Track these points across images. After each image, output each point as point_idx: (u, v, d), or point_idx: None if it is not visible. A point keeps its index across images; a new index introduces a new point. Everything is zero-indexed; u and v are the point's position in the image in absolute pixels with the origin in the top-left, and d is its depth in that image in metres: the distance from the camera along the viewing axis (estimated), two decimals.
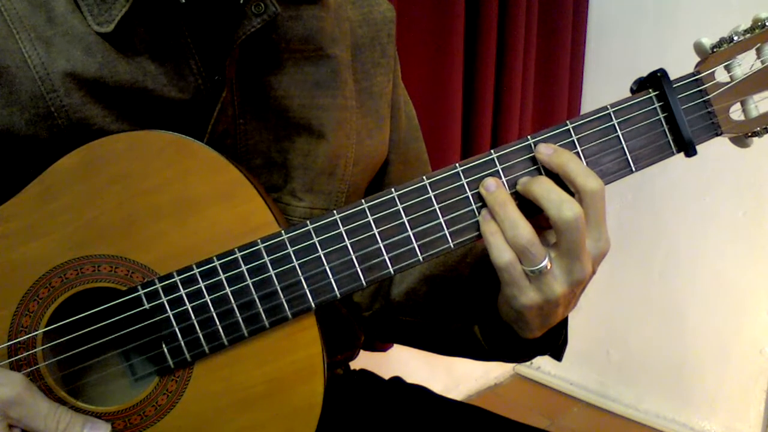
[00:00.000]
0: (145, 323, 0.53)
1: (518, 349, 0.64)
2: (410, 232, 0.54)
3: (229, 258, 0.53)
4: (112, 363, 0.57)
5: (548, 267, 0.53)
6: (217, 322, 0.53)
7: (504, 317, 0.59)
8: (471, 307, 0.67)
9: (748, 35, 0.57)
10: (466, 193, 0.54)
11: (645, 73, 0.58)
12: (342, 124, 0.68)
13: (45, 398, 0.50)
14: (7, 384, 0.49)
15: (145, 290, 0.52)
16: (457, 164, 0.55)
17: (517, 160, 0.55)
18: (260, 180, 0.64)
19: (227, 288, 0.53)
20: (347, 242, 0.53)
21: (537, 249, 0.52)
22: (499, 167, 0.55)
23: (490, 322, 0.64)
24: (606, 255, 0.55)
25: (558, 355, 0.66)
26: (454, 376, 2.02)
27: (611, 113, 0.56)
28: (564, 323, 0.63)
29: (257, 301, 0.53)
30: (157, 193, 0.53)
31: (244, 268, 0.53)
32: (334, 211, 0.53)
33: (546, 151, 0.54)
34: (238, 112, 0.61)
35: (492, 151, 0.55)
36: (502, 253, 0.53)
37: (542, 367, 2.17)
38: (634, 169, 0.56)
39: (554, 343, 0.64)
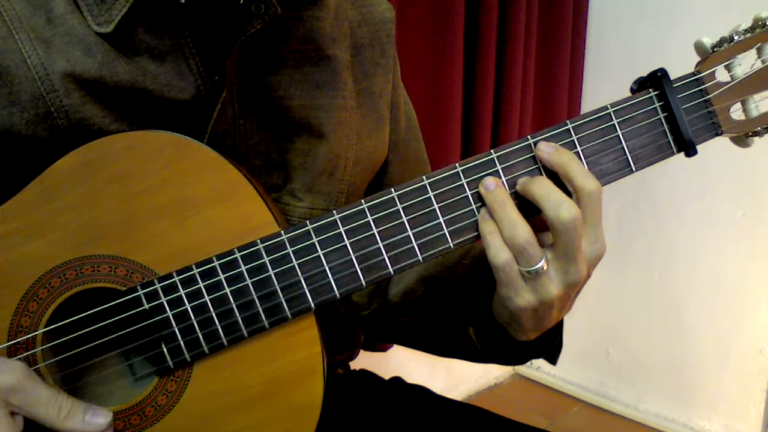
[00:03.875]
0: (145, 323, 0.53)
1: (512, 352, 0.64)
2: (410, 232, 0.54)
3: (229, 258, 0.53)
4: (111, 363, 0.57)
5: (544, 268, 0.53)
6: (217, 323, 0.53)
7: (499, 319, 0.59)
8: (467, 308, 0.67)
9: (749, 35, 0.57)
10: (466, 192, 0.54)
11: (645, 73, 0.57)
12: (342, 125, 0.68)
13: (45, 385, 0.50)
14: (7, 371, 0.48)
15: (145, 290, 0.52)
16: (456, 164, 0.54)
17: (516, 160, 0.55)
18: (260, 180, 0.64)
19: (227, 288, 0.53)
20: (347, 242, 0.53)
21: (534, 249, 0.52)
22: (498, 167, 0.55)
23: (485, 323, 0.64)
24: (601, 258, 0.55)
25: (553, 359, 0.66)
26: (454, 376, 2.02)
27: (611, 113, 0.56)
28: (559, 326, 0.63)
29: (257, 301, 0.53)
30: (157, 193, 0.53)
31: (243, 268, 0.53)
32: (334, 211, 0.53)
33: (547, 150, 0.54)
34: (238, 113, 0.61)
35: (492, 150, 0.55)
36: (499, 253, 0.53)
37: (542, 367, 2.17)
38: (634, 168, 0.56)
39: (549, 346, 0.64)
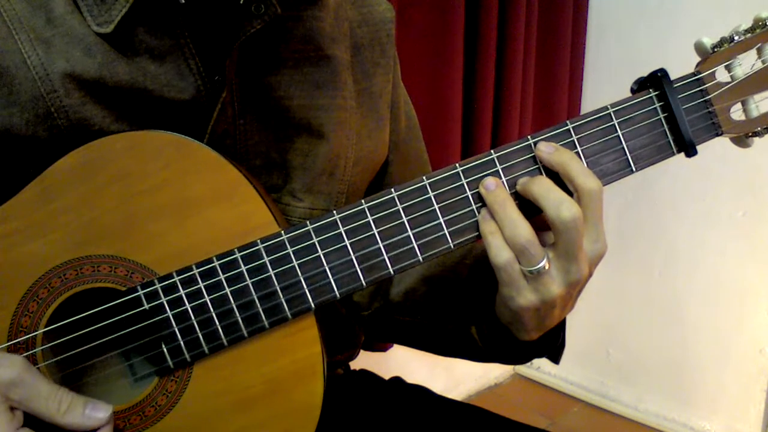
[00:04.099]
0: (145, 323, 0.53)
1: (515, 351, 0.64)
2: (410, 233, 0.54)
3: (229, 258, 0.53)
4: (111, 363, 0.57)
5: (546, 267, 0.53)
6: (217, 323, 0.53)
7: (501, 318, 0.59)
8: (469, 308, 0.67)
9: (749, 35, 0.57)
10: (466, 193, 0.54)
11: (645, 73, 0.57)
12: (341, 125, 0.68)
13: (45, 380, 0.50)
14: (7, 366, 0.48)
15: (145, 291, 0.52)
16: (457, 164, 0.54)
17: (517, 160, 0.55)
18: (260, 180, 0.64)
19: (227, 288, 0.53)
20: (347, 242, 0.53)
21: (535, 249, 0.52)
22: (499, 167, 0.55)
23: (487, 323, 0.64)
24: (603, 257, 0.55)
25: (555, 358, 0.66)
26: (454, 376, 2.02)
27: (611, 113, 0.56)
28: (562, 326, 0.63)
29: (257, 301, 0.53)
30: (157, 193, 0.53)
31: (243, 268, 0.53)
32: (334, 211, 0.53)
33: (547, 149, 0.54)
34: (238, 113, 0.61)
35: (492, 151, 0.55)
36: (500, 252, 0.53)
37: (542, 367, 2.17)
38: (634, 169, 0.56)
39: (552, 345, 0.64)
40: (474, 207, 0.55)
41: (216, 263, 0.52)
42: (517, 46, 1.63)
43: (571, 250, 0.52)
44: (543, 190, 0.52)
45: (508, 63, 1.63)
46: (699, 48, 0.58)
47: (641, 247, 1.86)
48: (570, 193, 0.53)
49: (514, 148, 0.55)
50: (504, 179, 0.55)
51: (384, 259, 0.54)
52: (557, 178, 0.54)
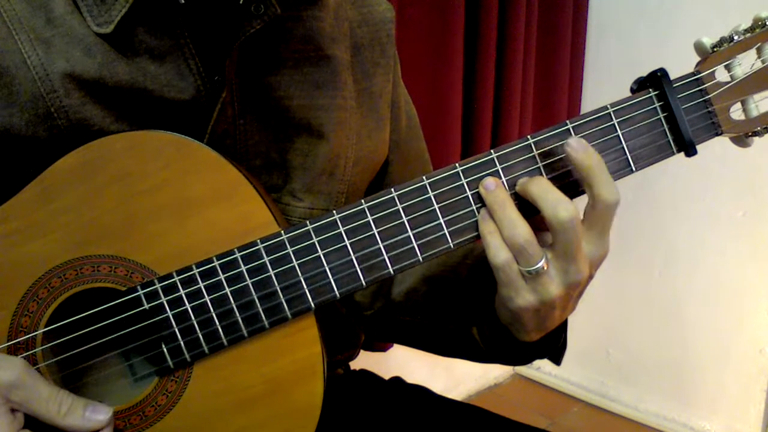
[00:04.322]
0: (145, 323, 0.53)
1: (516, 352, 0.64)
2: (410, 233, 0.54)
3: (229, 258, 0.53)
4: (111, 363, 0.57)
5: (545, 268, 0.52)
6: (217, 323, 0.53)
7: (501, 319, 0.59)
8: (469, 308, 0.67)
9: (749, 35, 0.57)
10: (466, 193, 0.54)
11: (645, 73, 0.57)
12: (341, 125, 0.68)
13: (45, 382, 0.50)
14: (7, 368, 0.48)
15: (145, 290, 0.52)
16: (457, 164, 0.54)
17: (516, 160, 0.55)
18: (260, 180, 0.64)
19: (227, 288, 0.53)
20: (347, 242, 0.53)
21: (534, 249, 0.52)
22: (498, 167, 0.55)
23: (488, 323, 0.64)
24: (605, 259, 0.55)
25: (557, 359, 0.66)
26: (454, 376, 2.02)
27: (611, 113, 0.56)
28: (563, 327, 0.63)
29: (257, 301, 0.53)
30: (157, 193, 0.53)
31: (243, 268, 0.53)
32: (334, 211, 0.53)
33: (578, 147, 0.52)
34: (238, 113, 0.61)
35: (492, 150, 0.55)
36: (498, 252, 0.53)
37: (542, 367, 2.17)
38: (634, 168, 0.56)
39: (553, 346, 0.64)
40: (474, 207, 0.54)
41: (216, 263, 0.53)
42: (517, 46, 1.64)
43: (569, 250, 0.52)
44: (541, 190, 0.52)
45: (508, 63, 1.63)
46: (699, 48, 0.58)
47: (641, 247, 1.86)
48: (571, 195, 0.53)
49: (514, 147, 0.55)
50: (504, 179, 0.55)
51: (384, 259, 0.54)
52: (558, 179, 0.54)
